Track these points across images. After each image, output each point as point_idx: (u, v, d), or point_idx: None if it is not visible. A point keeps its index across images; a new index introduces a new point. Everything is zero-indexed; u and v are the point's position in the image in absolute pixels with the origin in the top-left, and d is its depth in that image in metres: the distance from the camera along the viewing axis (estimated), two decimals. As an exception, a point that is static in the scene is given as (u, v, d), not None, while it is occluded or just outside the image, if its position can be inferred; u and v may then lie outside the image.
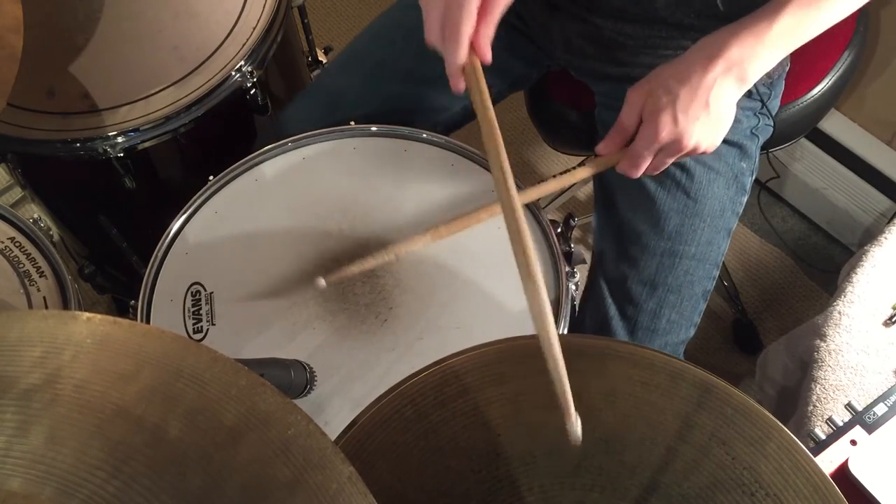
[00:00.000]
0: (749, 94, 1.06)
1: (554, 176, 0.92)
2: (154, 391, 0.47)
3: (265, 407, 0.48)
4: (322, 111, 1.18)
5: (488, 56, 0.83)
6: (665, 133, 0.85)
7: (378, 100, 1.17)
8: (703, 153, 0.90)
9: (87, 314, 0.50)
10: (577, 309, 1.16)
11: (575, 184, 0.94)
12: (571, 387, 0.66)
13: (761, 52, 0.85)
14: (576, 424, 0.64)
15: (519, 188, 1.05)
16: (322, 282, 0.83)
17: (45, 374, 0.47)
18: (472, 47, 0.83)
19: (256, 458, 0.46)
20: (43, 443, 0.46)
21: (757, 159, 1.11)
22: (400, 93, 1.17)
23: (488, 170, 1.10)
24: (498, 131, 0.79)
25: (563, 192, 1.74)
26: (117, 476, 0.45)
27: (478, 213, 0.89)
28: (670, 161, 0.90)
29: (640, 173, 0.90)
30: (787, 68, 1.13)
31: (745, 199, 1.11)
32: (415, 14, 1.19)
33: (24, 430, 0.46)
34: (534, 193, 0.91)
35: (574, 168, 0.92)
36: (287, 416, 0.48)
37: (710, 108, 0.85)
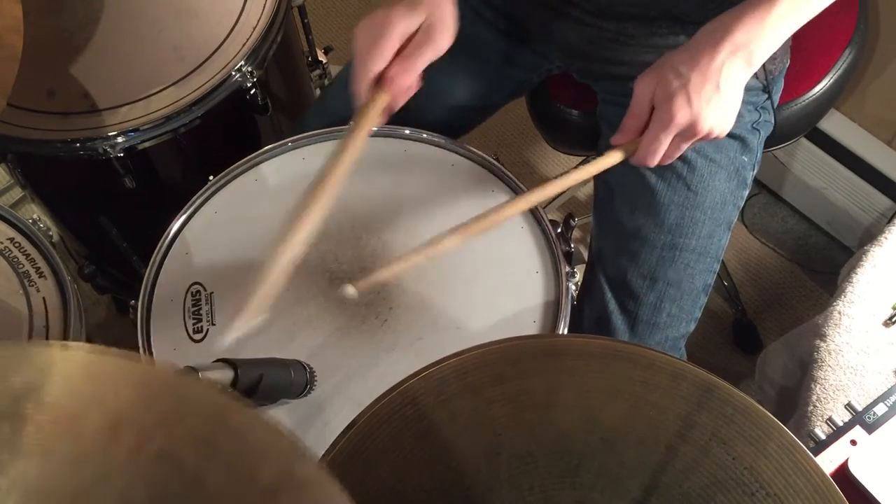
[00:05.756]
0: (750, 89, 1.06)
1: (569, 170, 0.91)
2: (197, 439, 0.48)
3: (302, 472, 0.48)
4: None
5: (396, 89, 0.89)
6: (680, 115, 0.85)
7: None
8: (716, 138, 0.89)
9: (148, 358, 0.52)
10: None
11: (583, 181, 0.93)
12: (572, 386, 0.66)
13: (765, 33, 0.86)
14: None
15: (522, 191, 1.06)
16: (351, 289, 0.83)
17: (104, 412, 0.48)
18: (382, 82, 0.89)
19: None
20: (91, 479, 0.46)
21: (759, 154, 1.11)
22: (400, 106, 1.17)
23: (487, 169, 1.10)
24: (349, 161, 0.87)
25: (563, 191, 1.74)
26: None
27: (504, 210, 0.89)
28: (685, 147, 0.90)
29: (656, 161, 0.89)
30: (787, 65, 1.13)
31: (747, 193, 1.11)
32: None
33: (77, 464, 0.47)
34: (541, 194, 0.91)
35: (587, 161, 0.92)
36: (322, 485, 0.47)
37: (721, 90, 0.85)
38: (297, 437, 0.48)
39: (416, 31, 0.88)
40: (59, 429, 0.47)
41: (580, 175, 0.90)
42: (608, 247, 1.12)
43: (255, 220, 1.08)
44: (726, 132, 0.89)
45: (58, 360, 0.50)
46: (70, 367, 0.50)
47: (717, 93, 0.85)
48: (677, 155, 0.91)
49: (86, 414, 0.48)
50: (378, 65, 0.87)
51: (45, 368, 0.49)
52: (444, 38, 0.89)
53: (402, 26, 0.87)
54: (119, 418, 0.48)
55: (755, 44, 0.86)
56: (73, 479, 0.46)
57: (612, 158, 0.91)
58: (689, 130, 0.87)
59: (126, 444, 0.47)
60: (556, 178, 0.90)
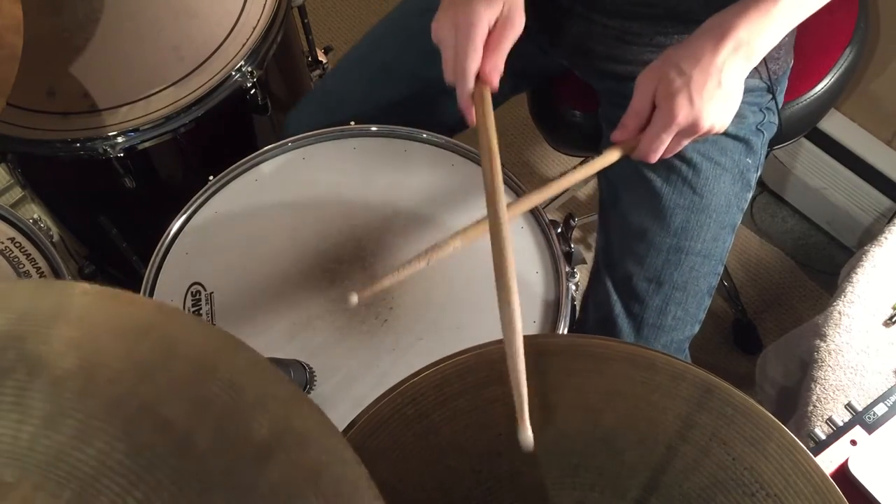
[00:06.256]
0: (754, 90, 1.06)
1: (571, 169, 0.90)
2: (185, 390, 0.43)
3: (301, 425, 0.43)
4: (325, 116, 1.18)
5: (495, 83, 0.91)
6: (682, 115, 0.85)
7: (381, 104, 1.17)
8: (716, 133, 0.89)
9: (133, 295, 0.46)
10: (577, 309, 1.16)
11: (586, 179, 0.93)
12: (572, 387, 0.66)
13: (768, 28, 0.86)
14: (527, 431, 0.64)
15: (522, 191, 1.06)
16: (355, 298, 0.83)
17: (80, 359, 0.43)
18: (480, 77, 0.90)
19: (284, 481, 0.42)
20: (69, 439, 0.42)
21: (762, 156, 1.11)
22: (402, 96, 1.17)
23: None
24: (497, 159, 0.85)
25: (563, 191, 1.74)
26: (139, 486, 0.42)
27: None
28: (686, 143, 0.90)
29: (657, 158, 0.89)
30: (791, 65, 1.13)
31: (750, 195, 1.11)
32: (415, 21, 1.20)
33: (53, 422, 0.42)
34: (544, 193, 0.91)
35: (588, 160, 0.91)
36: (323, 439, 0.43)
37: (722, 86, 0.85)
38: (295, 385, 0.44)
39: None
40: (37, 383, 0.43)
41: (581, 174, 0.90)
42: (614, 250, 1.11)
43: (255, 220, 1.08)
44: (726, 127, 0.89)
45: (41, 300, 0.46)
46: (52, 308, 0.45)
47: (718, 89, 0.85)
48: (678, 150, 0.91)
49: (63, 363, 0.43)
50: (476, 62, 0.89)
51: (28, 312, 0.45)
52: (521, 21, 0.91)
53: (487, 19, 0.89)
54: (97, 367, 0.43)
55: (758, 40, 0.86)
56: (50, 441, 0.43)
57: (612, 156, 0.90)
58: (691, 128, 0.87)
59: (106, 398, 0.43)
60: (557, 178, 0.90)
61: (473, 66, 0.89)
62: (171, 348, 0.44)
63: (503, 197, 0.82)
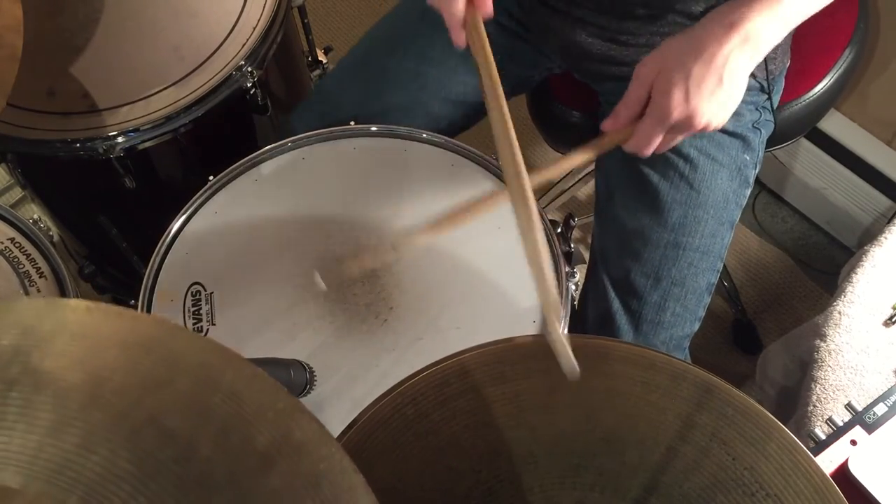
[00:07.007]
0: (750, 89, 1.06)
1: (559, 159, 0.88)
2: (189, 403, 0.45)
3: (300, 435, 0.45)
4: (323, 120, 1.18)
5: (489, 7, 0.87)
6: (677, 111, 0.83)
7: (378, 108, 1.16)
8: (713, 130, 0.87)
9: (135, 312, 0.48)
10: (576, 308, 1.16)
11: (578, 167, 0.90)
12: (571, 386, 0.66)
13: (775, 24, 0.84)
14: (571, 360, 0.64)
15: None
16: (322, 284, 0.82)
17: (85, 372, 0.45)
18: (471, 1, 0.86)
19: (285, 488, 0.44)
20: (74, 447, 0.44)
21: (760, 153, 1.11)
22: (400, 100, 1.17)
23: (488, 169, 1.10)
24: (500, 85, 0.83)
25: (563, 191, 1.73)
26: (143, 492, 0.43)
27: (476, 205, 0.88)
28: (681, 138, 0.88)
29: (650, 151, 0.87)
30: (788, 65, 1.13)
31: (749, 191, 1.11)
32: (412, 22, 1.20)
33: (58, 431, 0.44)
34: (536, 179, 0.89)
35: (579, 149, 0.88)
36: (321, 448, 0.45)
37: (723, 83, 0.83)
38: (294, 397, 0.46)
39: None
40: (42, 395, 0.45)
41: (575, 160, 0.87)
42: (611, 246, 1.11)
43: (255, 220, 1.08)
44: (724, 124, 0.87)
45: (44, 317, 0.48)
46: (55, 325, 0.47)
47: (719, 86, 0.83)
48: (671, 146, 0.89)
49: (68, 377, 0.45)
50: None
51: (32, 328, 0.47)
52: None
53: None
54: (103, 381, 0.45)
55: (765, 34, 0.83)
56: (55, 448, 0.44)
57: (604, 143, 0.88)
58: (685, 124, 0.85)
59: (111, 410, 0.45)
60: (555, 161, 0.88)
61: None
62: (174, 363, 0.46)
63: (511, 127, 0.80)
